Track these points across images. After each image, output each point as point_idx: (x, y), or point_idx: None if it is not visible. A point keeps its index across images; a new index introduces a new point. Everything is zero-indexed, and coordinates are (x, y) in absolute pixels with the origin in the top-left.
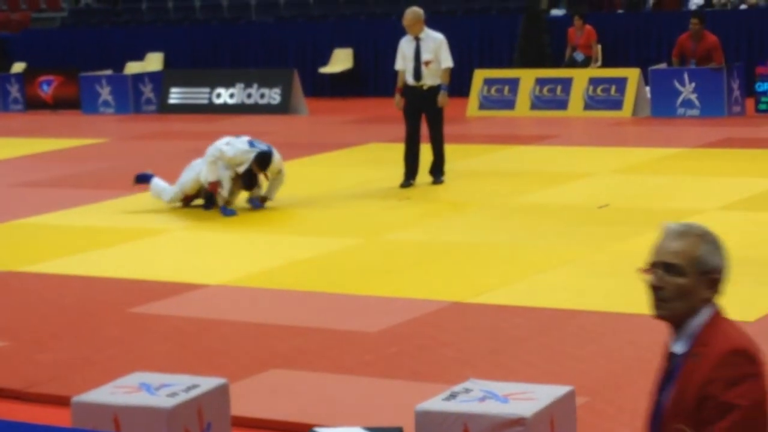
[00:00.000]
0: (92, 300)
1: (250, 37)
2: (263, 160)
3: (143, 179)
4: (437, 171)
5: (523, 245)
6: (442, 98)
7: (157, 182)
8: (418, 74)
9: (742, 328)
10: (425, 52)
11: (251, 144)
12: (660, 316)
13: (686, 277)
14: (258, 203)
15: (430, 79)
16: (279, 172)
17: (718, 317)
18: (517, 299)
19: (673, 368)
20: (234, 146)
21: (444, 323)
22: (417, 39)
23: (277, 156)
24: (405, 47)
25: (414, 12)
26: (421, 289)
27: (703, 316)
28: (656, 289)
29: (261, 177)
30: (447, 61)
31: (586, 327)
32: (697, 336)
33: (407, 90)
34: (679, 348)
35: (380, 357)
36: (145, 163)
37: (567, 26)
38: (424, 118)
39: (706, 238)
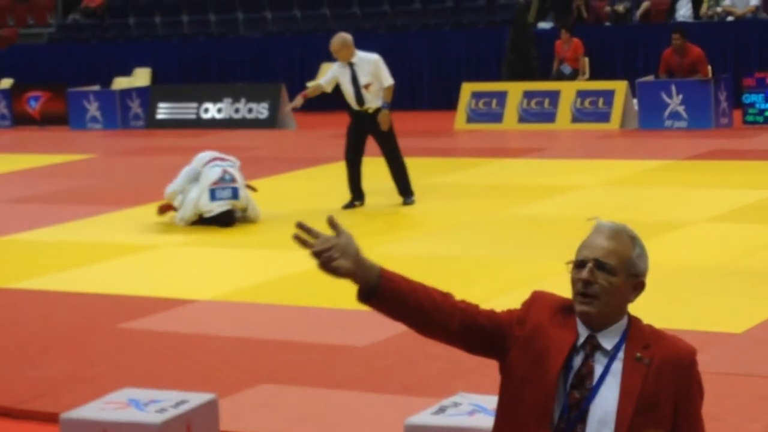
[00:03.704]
0: (81, 316)
1: (237, 52)
2: (225, 221)
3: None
4: (405, 192)
5: (511, 258)
6: (383, 117)
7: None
8: (360, 99)
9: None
10: (362, 76)
11: (212, 195)
12: (588, 312)
13: (617, 276)
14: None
15: (373, 102)
16: (245, 210)
17: (634, 317)
18: None
19: (596, 364)
20: (198, 194)
21: None
22: (350, 64)
23: (242, 196)
24: (340, 75)
25: (339, 38)
26: None
27: (626, 317)
28: (586, 284)
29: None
30: (387, 80)
31: None
32: (627, 336)
33: (353, 114)
34: (607, 344)
35: (369, 371)
36: (133, 178)
37: (554, 39)
38: (375, 142)
39: (637, 241)
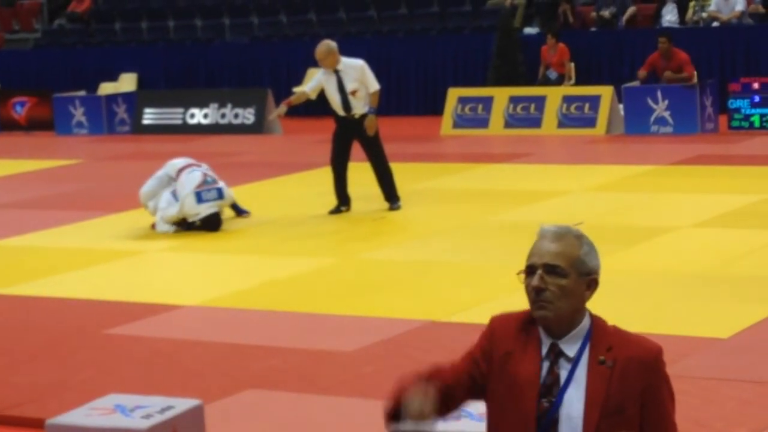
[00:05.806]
0: (67, 322)
1: (224, 57)
2: (212, 225)
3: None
4: (391, 197)
5: (497, 264)
6: (369, 122)
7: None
8: (347, 106)
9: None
10: (349, 82)
11: (198, 198)
12: (545, 316)
13: (568, 278)
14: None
15: (360, 108)
16: (231, 206)
17: (597, 318)
18: None
19: (560, 371)
20: (180, 202)
21: (420, 342)
22: (336, 72)
23: (227, 195)
24: (325, 82)
25: (325, 45)
26: (397, 309)
27: (587, 319)
28: (538, 291)
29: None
30: (373, 85)
31: None
32: (590, 339)
33: (339, 120)
34: (570, 350)
35: (356, 376)
36: (119, 184)
37: (540, 44)
38: (361, 147)
39: (584, 239)
